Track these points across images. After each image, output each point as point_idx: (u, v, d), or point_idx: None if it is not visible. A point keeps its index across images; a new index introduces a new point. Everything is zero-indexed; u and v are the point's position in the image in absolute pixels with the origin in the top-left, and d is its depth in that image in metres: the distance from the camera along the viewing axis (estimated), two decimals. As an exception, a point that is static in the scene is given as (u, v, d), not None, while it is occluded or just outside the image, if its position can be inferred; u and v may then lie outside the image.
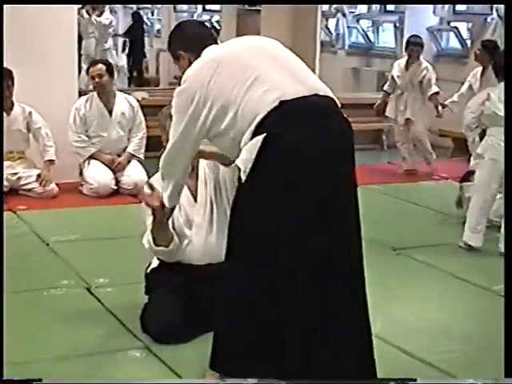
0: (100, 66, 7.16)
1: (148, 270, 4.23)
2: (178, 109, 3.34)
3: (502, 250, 5.40)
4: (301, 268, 3.10)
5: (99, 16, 12.89)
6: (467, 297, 4.81)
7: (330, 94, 3.26)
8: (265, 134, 3.04)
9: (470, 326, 4.30)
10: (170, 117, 3.48)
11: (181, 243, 3.98)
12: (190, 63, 3.39)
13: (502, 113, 5.55)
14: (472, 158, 6.28)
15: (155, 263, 4.21)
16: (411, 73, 8.38)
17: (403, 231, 6.15)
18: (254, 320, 3.13)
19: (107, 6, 13.41)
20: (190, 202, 4.05)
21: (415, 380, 3.40)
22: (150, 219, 3.83)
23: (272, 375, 3.16)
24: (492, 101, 5.75)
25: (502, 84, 5.52)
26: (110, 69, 7.21)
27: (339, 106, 3.27)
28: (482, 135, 6.05)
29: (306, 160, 3.08)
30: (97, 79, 7.09)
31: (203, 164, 4.09)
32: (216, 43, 3.49)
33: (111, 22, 13.20)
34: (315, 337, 3.14)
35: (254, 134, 3.08)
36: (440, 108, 8.21)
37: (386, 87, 8.65)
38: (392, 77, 8.52)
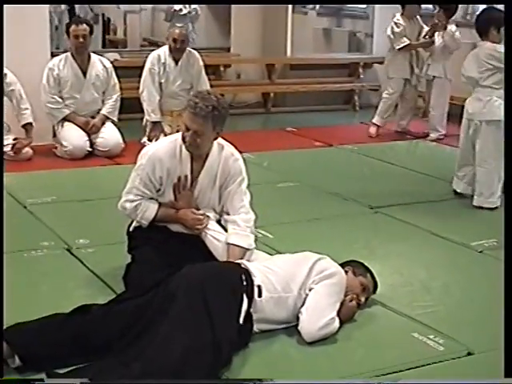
0: (85, 26, 7.03)
1: (130, 229, 4.24)
2: None
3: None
4: None
5: None
6: (445, 253, 4.84)
7: None
8: None
9: (450, 282, 4.33)
10: None
11: None
12: None
13: (467, 73, 5.71)
14: None
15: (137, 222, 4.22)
16: None
17: (379, 190, 6.17)
18: None
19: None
20: None
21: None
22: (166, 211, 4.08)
23: None
24: (466, 61, 5.81)
25: (481, 44, 5.69)
26: (91, 30, 7.12)
27: None
28: None
29: None
30: (81, 39, 6.97)
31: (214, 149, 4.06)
32: None
33: None
34: None
35: None
36: None
37: None
38: None
